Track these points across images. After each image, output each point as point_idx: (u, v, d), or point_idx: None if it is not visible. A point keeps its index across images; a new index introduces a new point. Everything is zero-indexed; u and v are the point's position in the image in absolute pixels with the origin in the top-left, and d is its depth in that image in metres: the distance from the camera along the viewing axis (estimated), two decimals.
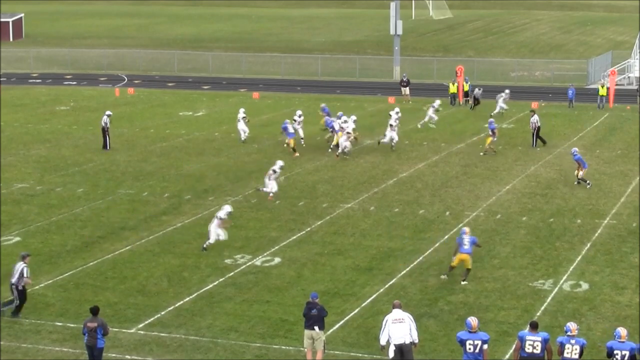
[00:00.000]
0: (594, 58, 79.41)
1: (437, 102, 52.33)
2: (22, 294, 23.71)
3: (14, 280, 23.61)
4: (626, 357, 18.18)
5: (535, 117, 46.55)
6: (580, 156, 38.16)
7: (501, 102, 55.65)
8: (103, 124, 45.47)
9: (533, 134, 46.43)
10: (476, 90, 59.75)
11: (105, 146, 45.29)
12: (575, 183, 37.93)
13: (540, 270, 27.43)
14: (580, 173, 37.90)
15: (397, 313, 19.96)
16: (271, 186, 35.31)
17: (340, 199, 35.99)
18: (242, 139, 47.12)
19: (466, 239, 26.38)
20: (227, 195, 36.22)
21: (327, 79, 76.76)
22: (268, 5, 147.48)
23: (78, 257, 28.64)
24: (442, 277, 26.71)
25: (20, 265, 23.65)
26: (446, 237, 30.87)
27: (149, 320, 23.60)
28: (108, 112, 46.15)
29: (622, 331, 18.46)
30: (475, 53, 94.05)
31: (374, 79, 76.68)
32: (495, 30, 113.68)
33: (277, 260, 28.45)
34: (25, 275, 23.58)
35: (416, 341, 20.00)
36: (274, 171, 35.38)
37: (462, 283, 26.16)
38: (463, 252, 26.31)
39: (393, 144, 44.60)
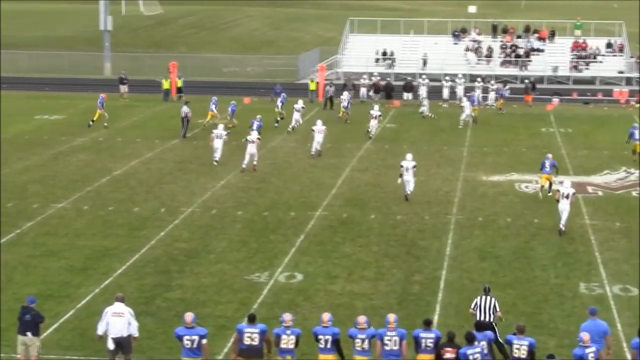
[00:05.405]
0: (303, 54, 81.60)
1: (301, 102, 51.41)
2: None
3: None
4: (329, 341, 19.07)
5: (186, 108, 48.07)
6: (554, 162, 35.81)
7: None
8: None
9: (183, 124, 47.90)
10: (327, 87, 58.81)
11: None
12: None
13: (256, 264, 27.82)
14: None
15: (117, 306, 19.94)
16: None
17: (52, 198, 34.94)
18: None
19: (547, 163, 34.76)
20: None
21: (34, 75, 74.22)
22: None
23: None
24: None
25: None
26: (162, 233, 30.69)
27: None
28: None
29: (325, 316, 19.43)
30: (187, 49, 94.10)
31: (84, 76, 74.90)
32: (208, 25, 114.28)
33: None
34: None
35: (135, 335, 20.02)
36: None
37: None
38: (545, 173, 34.87)
39: None
